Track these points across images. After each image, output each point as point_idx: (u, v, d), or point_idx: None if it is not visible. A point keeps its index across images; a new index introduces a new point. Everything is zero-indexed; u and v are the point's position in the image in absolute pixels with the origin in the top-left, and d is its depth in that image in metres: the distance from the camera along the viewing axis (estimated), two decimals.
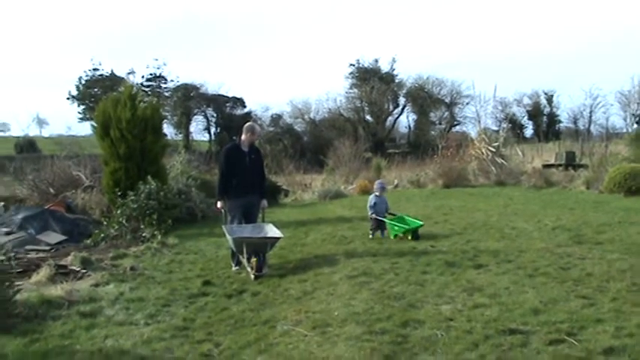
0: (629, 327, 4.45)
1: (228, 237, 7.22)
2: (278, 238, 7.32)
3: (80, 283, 6.83)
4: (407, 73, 51.63)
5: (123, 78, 43.26)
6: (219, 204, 7.76)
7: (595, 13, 73.47)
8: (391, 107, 50.47)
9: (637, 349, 3.99)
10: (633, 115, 44.46)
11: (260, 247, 6.95)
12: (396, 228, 9.11)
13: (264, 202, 7.98)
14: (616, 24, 72.40)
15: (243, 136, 7.72)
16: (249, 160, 7.63)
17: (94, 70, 49.04)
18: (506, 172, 19.93)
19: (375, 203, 9.43)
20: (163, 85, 49.89)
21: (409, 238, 8.85)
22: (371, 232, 9.38)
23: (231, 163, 7.57)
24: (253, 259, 6.81)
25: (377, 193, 9.70)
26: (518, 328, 4.51)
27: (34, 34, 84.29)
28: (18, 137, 50.79)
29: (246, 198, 7.60)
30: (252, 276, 6.74)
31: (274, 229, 7.49)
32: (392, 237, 9.09)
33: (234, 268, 7.32)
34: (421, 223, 9.19)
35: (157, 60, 55.80)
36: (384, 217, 9.35)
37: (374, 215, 9.31)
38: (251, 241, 7.03)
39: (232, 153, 7.67)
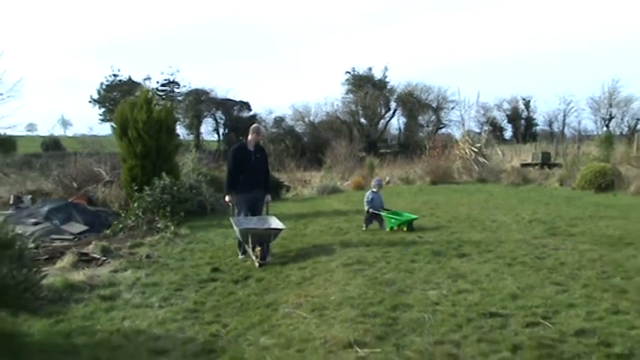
0: (598, 311, 4.46)
1: (236, 228, 7.20)
2: (280, 230, 7.30)
3: (100, 269, 6.82)
4: (398, 80, 51.57)
5: (140, 83, 43.39)
6: (227, 198, 7.74)
7: (569, 26, 73.39)
8: (383, 111, 50.31)
9: (606, 332, 4.00)
10: (603, 118, 44.60)
11: (264, 238, 6.95)
12: (392, 221, 9.02)
13: (268, 197, 7.95)
14: (589, 36, 72.40)
15: (249, 137, 7.71)
16: (255, 159, 7.61)
17: (114, 76, 49.04)
18: (487, 171, 19.93)
19: (372, 199, 9.34)
20: (176, 90, 49.79)
21: (404, 229, 8.78)
22: (364, 224, 9.33)
23: (238, 161, 7.56)
24: (258, 249, 6.80)
25: (374, 189, 9.58)
26: (498, 312, 4.51)
27: (59, 43, 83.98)
28: (44, 136, 50.50)
29: (251, 193, 7.59)
30: (257, 264, 6.73)
31: (277, 221, 7.48)
32: (388, 229, 9.01)
33: (240, 257, 7.31)
34: (415, 216, 9.12)
35: (170, 67, 56.16)
36: (379, 211, 9.28)
37: (371, 210, 9.22)
38: (256, 231, 7.01)
39: (239, 152, 7.65)
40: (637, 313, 4.40)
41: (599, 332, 3.99)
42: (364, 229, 9.22)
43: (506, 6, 76.27)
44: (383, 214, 9.24)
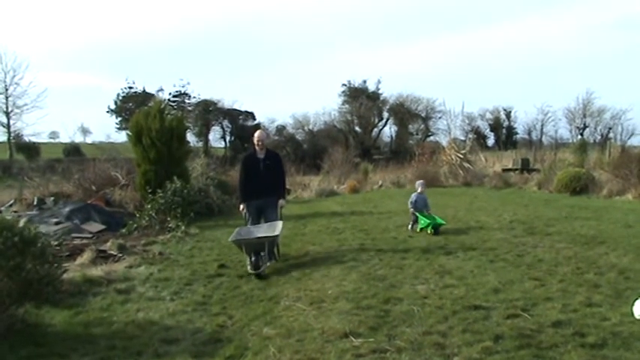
0: (573, 304, 4.47)
1: (230, 239, 6.57)
2: (273, 236, 6.45)
3: (117, 265, 6.80)
4: (390, 91, 51.40)
5: (153, 94, 43.31)
6: (241, 207, 7.25)
7: (546, 42, 73.59)
8: (376, 120, 50.24)
9: (580, 323, 4.01)
10: (577, 127, 44.75)
11: (258, 246, 6.24)
12: (422, 222, 8.65)
13: (282, 202, 7.38)
14: (565, 51, 72.57)
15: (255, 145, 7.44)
16: (264, 166, 7.14)
17: (129, 87, 48.81)
18: (471, 175, 19.95)
19: (415, 200, 8.95)
20: (187, 101, 49.49)
21: (429, 231, 8.39)
22: (410, 225, 8.90)
23: (247, 170, 7.19)
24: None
25: (419, 190, 9.15)
26: (481, 305, 4.52)
27: (80, 57, 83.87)
28: (66, 143, 50.27)
29: (261, 200, 7.10)
30: (252, 272, 6.05)
31: (279, 227, 6.73)
32: (418, 230, 8.63)
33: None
34: (444, 222, 8.64)
35: (182, 79, 55.92)
36: (420, 212, 8.84)
37: (412, 210, 8.89)
38: (248, 242, 6.37)
39: (248, 161, 7.26)
40: (609, 305, 4.41)
41: (574, 323, 3.99)
42: (409, 229, 8.83)
43: (490, 28, 76.53)
44: (418, 214, 8.81)
